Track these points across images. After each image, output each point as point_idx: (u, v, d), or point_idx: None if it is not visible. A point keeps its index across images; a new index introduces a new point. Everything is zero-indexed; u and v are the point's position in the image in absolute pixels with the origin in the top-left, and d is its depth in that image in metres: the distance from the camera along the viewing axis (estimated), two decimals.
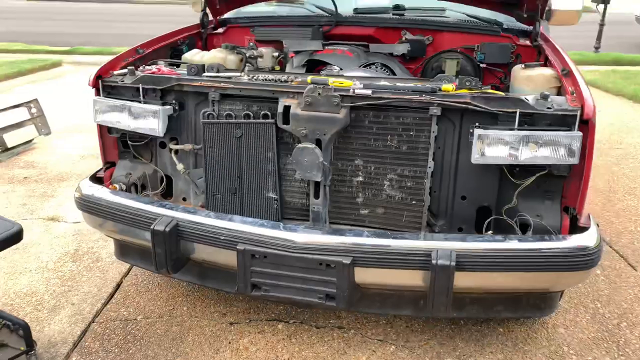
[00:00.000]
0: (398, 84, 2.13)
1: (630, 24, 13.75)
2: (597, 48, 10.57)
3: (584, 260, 1.91)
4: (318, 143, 2.06)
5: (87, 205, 2.28)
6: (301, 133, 2.06)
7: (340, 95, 2.01)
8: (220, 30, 3.33)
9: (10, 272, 3.10)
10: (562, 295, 2.34)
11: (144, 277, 3.05)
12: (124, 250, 2.52)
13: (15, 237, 2.21)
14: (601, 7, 10.12)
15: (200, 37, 3.24)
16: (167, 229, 2.02)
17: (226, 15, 3.42)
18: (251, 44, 3.13)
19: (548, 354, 2.45)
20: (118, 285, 2.96)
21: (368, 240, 1.93)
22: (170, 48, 2.93)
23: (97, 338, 2.54)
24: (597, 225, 2.05)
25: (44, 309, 2.74)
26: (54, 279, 3.02)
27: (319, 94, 1.99)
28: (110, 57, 2.56)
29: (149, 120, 2.20)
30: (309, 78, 2.13)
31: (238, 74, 2.28)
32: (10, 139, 5.16)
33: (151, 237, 2.05)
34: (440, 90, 2.05)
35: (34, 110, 5.40)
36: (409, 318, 2.66)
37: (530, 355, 2.44)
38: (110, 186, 2.39)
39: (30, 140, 5.41)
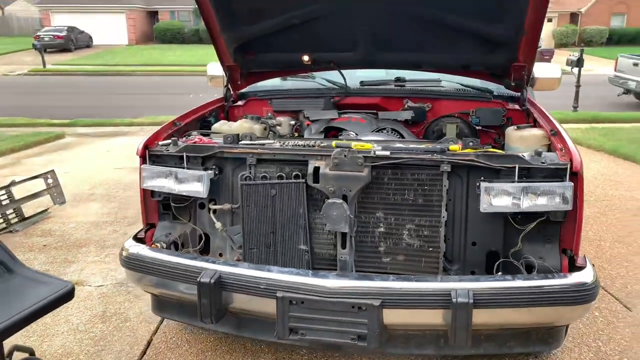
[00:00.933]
0: (411, 146, 2.46)
1: (604, 84, 14.60)
2: (575, 107, 11.22)
3: (583, 295, 2.17)
4: (344, 198, 2.35)
5: (134, 263, 2.51)
6: (330, 190, 2.35)
7: (363, 156, 2.32)
8: (240, 102, 3.69)
9: (44, 334, 3.25)
10: (567, 331, 2.57)
11: (172, 334, 3.22)
12: (161, 306, 2.72)
13: (69, 295, 2.42)
14: (576, 69, 10.86)
15: (223, 109, 3.59)
16: (212, 281, 2.25)
17: (243, 90, 3.79)
18: (269, 114, 3.48)
19: None
20: (149, 343, 3.12)
21: (394, 284, 2.18)
22: (199, 120, 3.26)
23: None
24: (593, 265, 2.33)
25: None
26: (86, 340, 3.18)
27: (345, 155, 2.30)
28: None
29: (193, 184, 2.48)
30: (334, 143, 2.46)
31: (270, 141, 2.60)
32: (27, 209, 5.38)
33: (197, 288, 2.27)
34: (448, 150, 2.37)
35: (50, 180, 5.64)
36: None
37: None
38: (152, 245, 2.63)
39: (46, 210, 5.61)
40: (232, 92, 3.64)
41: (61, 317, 3.44)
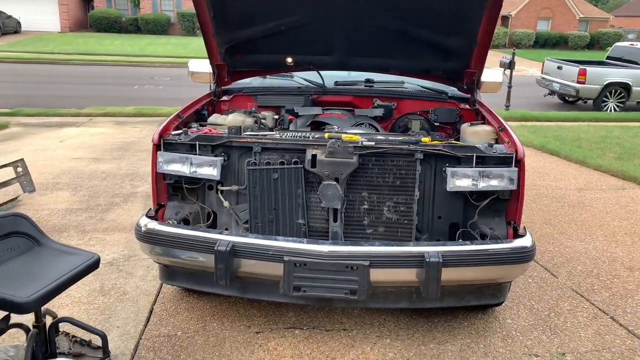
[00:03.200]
0: (390, 138, 3.00)
1: (532, 85, 15.88)
2: (507, 106, 12.24)
3: (524, 255, 2.78)
4: (337, 181, 2.84)
5: (152, 237, 2.88)
6: (325, 174, 2.83)
7: (353, 146, 2.82)
8: (226, 98, 4.09)
9: (49, 307, 3.53)
10: (509, 288, 3.19)
11: (170, 304, 3.59)
12: (171, 275, 3.12)
13: (95, 264, 2.75)
14: (508, 71, 11.84)
15: (211, 103, 3.98)
16: (228, 249, 2.68)
17: (227, 87, 4.19)
18: (253, 109, 3.91)
19: (502, 337, 3.28)
20: (151, 311, 3.49)
21: (380, 248, 2.70)
22: (195, 113, 3.65)
23: (150, 350, 3.07)
24: (531, 234, 2.95)
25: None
26: (92, 310, 3.50)
27: (338, 145, 2.80)
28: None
29: (207, 168, 2.90)
30: (326, 135, 2.95)
31: (271, 132, 3.05)
32: None
33: (215, 256, 2.69)
34: (421, 141, 2.92)
35: (19, 169, 5.75)
36: (397, 320, 3.41)
37: (490, 339, 3.25)
38: (166, 222, 3.01)
39: (16, 198, 5.73)
40: (219, 88, 4.04)
41: (62, 293, 3.71)
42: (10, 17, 32.99)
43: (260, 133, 3.02)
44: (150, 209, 3.16)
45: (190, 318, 3.41)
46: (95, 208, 5.43)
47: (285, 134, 3.05)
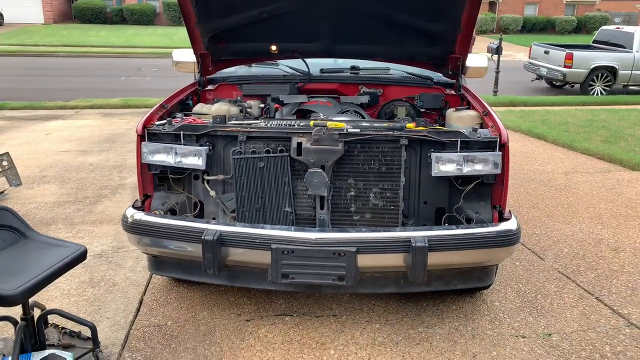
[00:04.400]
0: (375, 124, 3.00)
1: (520, 70, 15.93)
2: (495, 92, 12.28)
3: (510, 238, 2.81)
4: (322, 168, 2.85)
5: (139, 228, 2.88)
6: (310, 161, 2.84)
7: (338, 133, 2.83)
8: (210, 87, 4.07)
9: (38, 299, 3.53)
10: (496, 272, 3.23)
11: (160, 294, 3.60)
12: (159, 265, 3.12)
13: (82, 256, 2.75)
14: (495, 57, 11.88)
15: (196, 93, 3.96)
16: (215, 238, 2.68)
17: (212, 75, 4.17)
18: (239, 97, 3.90)
19: (490, 320, 3.32)
20: (141, 302, 3.50)
21: (366, 234, 2.71)
22: (180, 103, 3.63)
23: (140, 339, 3.08)
24: (516, 217, 2.98)
25: None
26: (81, 302, 3.50)
27: (324, 133, 2.80)
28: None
29: (192, 158, 2.89)
30: (311, 122, 2.95)
31: (257, 121, 3.04)
32: None
33: (202, 245, 2.69)
34: (405, 127, 2.93)
35: (5, 163, 5.69)
36: (386, 305, 3.44)
37: (477, 321, 3.29)
38: (153, 212, 3.01)
39: (2, 192, 5.69)
40: (203, 77, 4.02)
41: (50, 285, 3.70)
42: None
43: (245, 122, 3.01)
44: (137, 199, 3.15)
45: (180, 307, 3.42)
46: (83, 200, 5.41)
47: (271, 122, 3.05)
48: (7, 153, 5.74)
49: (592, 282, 3.82)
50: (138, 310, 3.40)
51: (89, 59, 20.94)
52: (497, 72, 12.24)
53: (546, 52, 13.93)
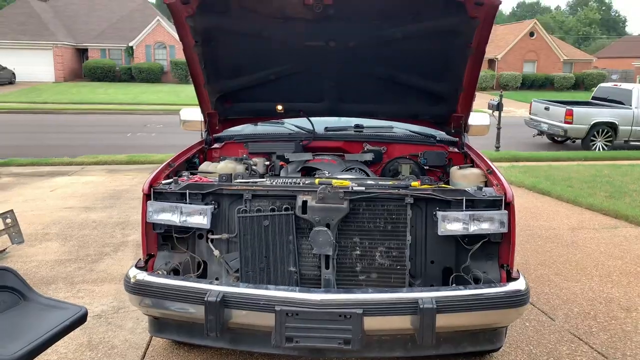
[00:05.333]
0: (380, 182, 3.00)
1: (521, 126, 16.13)
2: (497, 147, 12.38)
3: (519, 299, 2.74)
4: (328, 226, 2.83)
5: (141, 289, 2.83)
6: (316, 220, 2.82)
7: (343, 191, 2.82)
8: (217, 145, 4.11)
9: None
10: (506, 333, 3.13)
11: (161, 356, 3.50)
12: (161, 327, 3.04)
13: (82, 318, 2.69)
14: (496, 113, 12.07)
15: (203, 151, 4.00)
16: (218, 299, 2.63)
17: (218, 134, 4.22)
18: (245, 155, 3.93)
19: None
20: None
21: (372, 296, 2.66)
22: (187, 161, 3.66)
23: None
24: (524, 276, 2.92)
25: None
26: None
27: (329, 191, 2.79)
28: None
29: (197, 217, 2.88)
30: (317, 180, 2.95)
31: (262, 179, 3.05)
32: None
33: (205, 307, 2.64)
34: (410, 185, 2.93)
35: (9, 220, 5.68)
36: None
37: None
38: (156, 272, 2.96)
39: (4, 250, 5.64)
40: (210, 136, 4.07)
41: (48, 348, 3.61)
42: (4, 68, 33.50)
43: (251, 180, 3.02)
44: (140, 259, 3.12)
45: None
46: (84, 258, 5.36)
47: (276, 180, 3.05)
48: (12, 210, 5.74)
49: (606, 344, 3.70)
50: None
51: (96, 115, 21.35)
52: (499, 128, 12.39)
53: (546, 109, 14.15)
